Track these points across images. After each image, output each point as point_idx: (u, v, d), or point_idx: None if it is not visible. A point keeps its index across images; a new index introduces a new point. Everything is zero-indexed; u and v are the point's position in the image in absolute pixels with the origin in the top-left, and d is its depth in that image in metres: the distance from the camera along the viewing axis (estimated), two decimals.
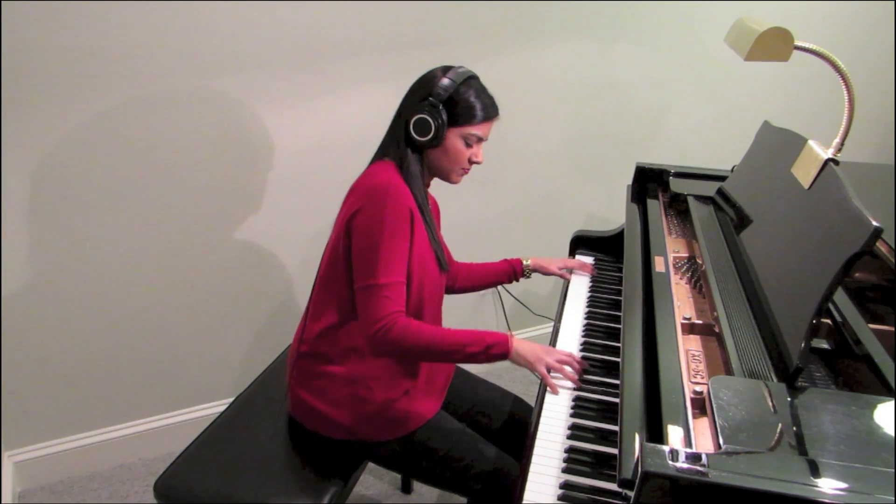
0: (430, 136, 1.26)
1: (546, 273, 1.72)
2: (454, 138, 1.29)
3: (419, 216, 1.27)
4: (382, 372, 1.32)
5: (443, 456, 1.33)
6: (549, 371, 1.30)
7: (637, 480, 0.79)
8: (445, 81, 1.26)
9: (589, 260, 1.83)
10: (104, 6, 1.51)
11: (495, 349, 1.27)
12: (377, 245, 1.20)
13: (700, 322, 1.21)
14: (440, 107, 1.25)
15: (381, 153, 1.34)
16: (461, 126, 1.28)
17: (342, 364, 1.32)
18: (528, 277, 1.72)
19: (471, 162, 1.33)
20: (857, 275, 1.29)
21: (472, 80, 1.30)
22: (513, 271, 1.68)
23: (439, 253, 1.34)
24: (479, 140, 1.32)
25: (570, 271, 1.74)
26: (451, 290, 1.62)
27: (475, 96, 1.28)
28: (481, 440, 1.37)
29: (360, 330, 1.25)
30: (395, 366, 1.32)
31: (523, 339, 1.31)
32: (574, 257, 1.86)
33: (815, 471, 0.77)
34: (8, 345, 1.75)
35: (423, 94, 1.27)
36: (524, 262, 1.69)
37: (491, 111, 1.30)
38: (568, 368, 1.30)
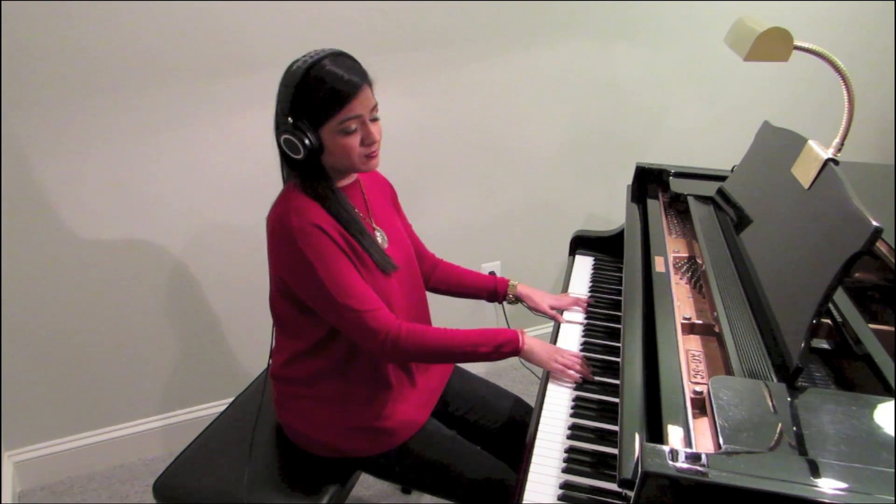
0: (305, 152, 1.13)
1: (534, 309, 1.56)
2: (331, 136, 1.14)
3: (334, 225, 1.17)
4: (360, 388, 1.30)
5: (433, 467, 1.32)
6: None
7: (637, 480, 0.79)
8: (284, 88, 1.13)
9: (589, 260, 1.83)
10: (104, 6, 1.51)
11: (506, 347, 1.26)
12: (318, 280, 1.13)
13: (700, 322, 1.21)
14: (291, 119, 1.12)
15: (284, 177, 1.24)
16: (327, 121, 1.12)
17: (316, 385, 1.30)
18: (513, 304, 1.57)
19: (366, 144, 1.17)
20: (857, 275, 1.29)
21: (315, 66, 1.11)
22: (494, 290, 1.55)
23: (375, 255, 1.23)
24: (360, 118, 1.14)
25: (562, 312, 1.56)
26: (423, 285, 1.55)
27: (322, 84, 1.10)
28: (473, 448, 1.36)
29: (365, 348, 1.21)
30: (373, 380, 1.30)
31: (535, 337, 1.31)
32: (574, 257, 1.86)
33: (815, 471, 0.77)
34: (8, 345, 1.75)
35: (277, 109, 1.15)
36: (510, 283, 1.55)
37: (350, 85, 1.11)
38: (572, 372, 1.30)
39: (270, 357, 1.36)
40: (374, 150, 1.19)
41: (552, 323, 1.58)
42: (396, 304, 1.29)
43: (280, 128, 1.15)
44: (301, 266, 1.14)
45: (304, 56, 1.14)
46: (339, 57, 1.15)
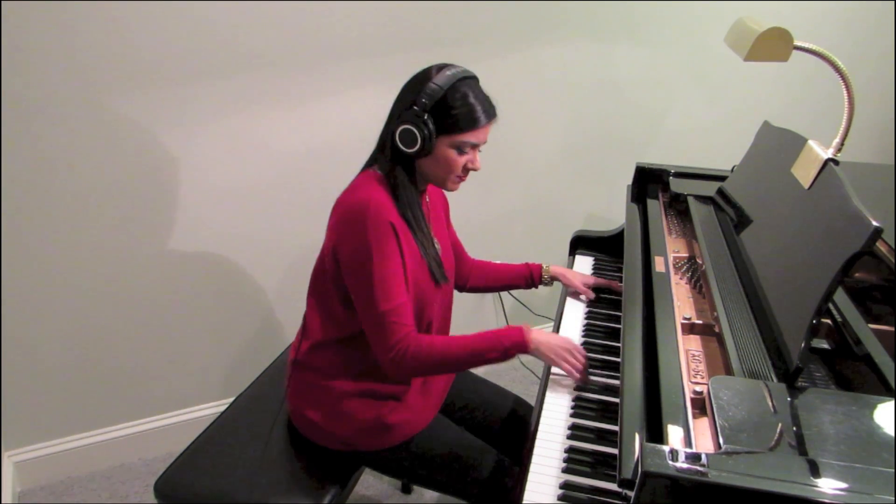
0: (416, 148, 1.17)
1: (568, 286, 1.61)
2: (445, 147, 1.19)
3: (405, 229, 1.21)
4: (378, 388, 1.31)
5: (440, 463, 1.32)
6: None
7: (637, 480, 0.79)
8: (433, 86, 1.16)
9: (589, 260, 1.83)
10: (103, 6, 1.51)
11: (514, 350, 1.24)
12: (369, 272, 1.16)
13: (700, 322, 1.21)
14: (426, 116, 1.16)
15: (371, 161, 1.29)
16: (451, 135, 1.18)
17: (335, 378, 1.31)
18: (549, 285, 1.62)
19: (466, 170, 1.24)
20: (857, 275, 1.29)
21: (463, 82, 1.19)
22: (530, 276, 1.60)
23: (433, 265, 1.27)
24: (475, 147, 1.22)
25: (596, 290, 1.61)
26: (461, 288, 1.59)
27: (466, 102, 1.17)
28: (479, 444, 1.36)
29: (377, 356, 1.22)
30: (394, 382, 1.31)
31: (541, 331, 1.29)
32: (574, 258, 1.86)
33: (815, 471, 0.77)
34: (8, 345, 1.75)
35: (409, 99, 1.18)
36: (543, 266, 1.60)
37: (484, 117, 1.19)
38: (577, 374, 1.28)
39: (299, 344, 1.36)
40: (466, 176, 1.26)
41: (552, 323, 1.58)
42: (435, 313, 1.32)
43: (405, 118, 1.17)
44: (361, 254, 1.16)
45: (448, 65, 1.21)
46: (477, 81, 1.23)
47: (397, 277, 1.18)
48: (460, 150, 1.20)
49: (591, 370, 1.31)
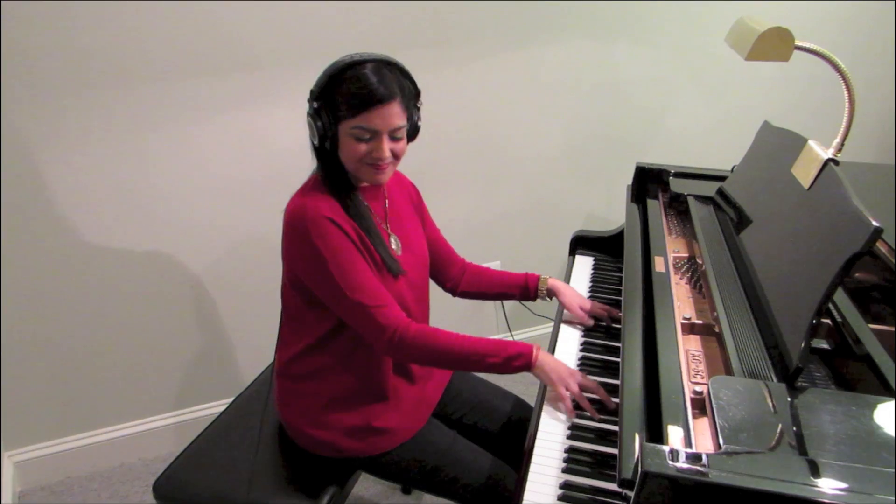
0: (318, 139, 1.15)
1: (564, 306, 1.52)
2: (343, 136, 1.15)
3: (346, 221, 1.18)
4: (361, 390, 1.30)
5: (433, 467, 1.32)
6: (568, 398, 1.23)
7: (637, 480, 0.79)
8: (323, 73, 1.14)
9: (589, 260, 1.83)
10: (102, 6, 1.51)
11: (517, 361, 1.22)
12: (329, 272, 1.15)
13: (700, 322, 1.21)
14: (317, 104, 1.13)
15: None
16: (344, 121, 1.13)
17: (319, 383, 1.30)
18: (547, 299, 1.53)
19: (372, 157, 1.16)
20: (857, 275, 1.28)
21: (358, 66, 1.12)
22: (526, 286, 1.51)
23: (385, 255, 1.23)
24: (374, 133, 1.13)
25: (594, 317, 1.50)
26: (452, 292, 1.56)
27: (351, 85, 1.11)
28: (473, 448, 1.35)
29: (372, 345, 1.21)
30: (375, 379, 1.30)
31: (550, 355, 1.27)
32: (574, 258, 1.86)
33: (815, 471, 0.77)
34: (8, 345, 1.75)
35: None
36: (541, 278, 1.52)
37: (373, 97, 1.10)
38: (569, 402, 1.22)
39: (276, 352, 1.36)
40: (381, 165, 1.17)
41: (552, 323, 1.57)
42: (403, 306, 1.30)
43: (308, 109, 1.16)
44: (312, 259, 1.15)
45: (358, 52, 1.15)
46: (386, 66, 1.14)
47: (358, 265, 1.17)
48: (357, 137, 1.14)
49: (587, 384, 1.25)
